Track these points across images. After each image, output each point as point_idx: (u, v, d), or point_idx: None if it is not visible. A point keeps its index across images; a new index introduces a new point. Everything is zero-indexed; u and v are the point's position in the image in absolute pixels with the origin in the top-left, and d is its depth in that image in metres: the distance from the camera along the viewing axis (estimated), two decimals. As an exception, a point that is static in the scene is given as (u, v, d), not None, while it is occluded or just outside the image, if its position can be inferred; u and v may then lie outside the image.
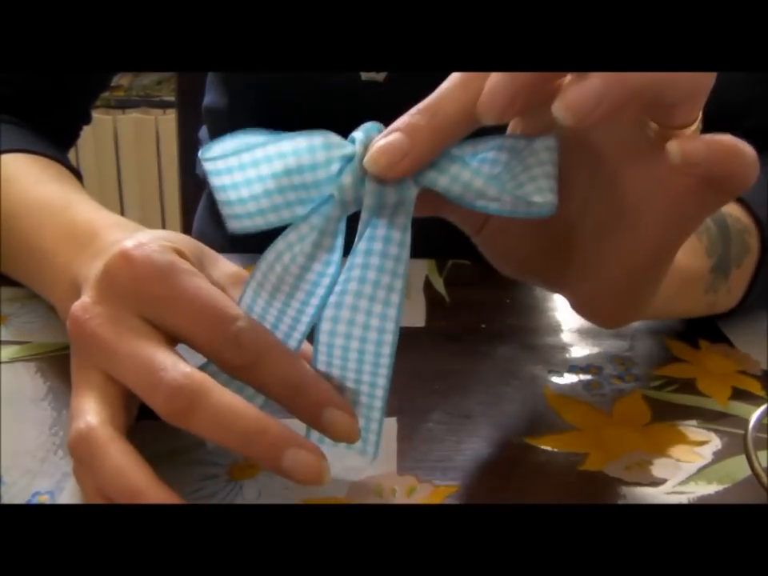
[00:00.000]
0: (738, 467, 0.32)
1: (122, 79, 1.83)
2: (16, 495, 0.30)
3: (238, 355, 0.29)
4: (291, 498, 0.30)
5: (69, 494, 0.30)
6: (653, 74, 0.28)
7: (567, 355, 0.41)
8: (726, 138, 0.29)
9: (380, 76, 0.61)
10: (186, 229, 0.88)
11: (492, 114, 0.27)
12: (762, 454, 0.30)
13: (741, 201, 0.43)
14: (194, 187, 0.81)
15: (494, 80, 0.28)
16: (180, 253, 0.31)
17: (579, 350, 0.41)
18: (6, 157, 0.46)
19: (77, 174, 0.50)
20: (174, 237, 0.33)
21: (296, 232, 0.29)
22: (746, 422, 0.32)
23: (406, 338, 0.29)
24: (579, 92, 0.27)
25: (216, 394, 0.28)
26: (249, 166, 0.29)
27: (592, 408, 0.36)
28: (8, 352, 0.39)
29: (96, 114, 0.63)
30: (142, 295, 0.30)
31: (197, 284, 0.30)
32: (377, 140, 0.28)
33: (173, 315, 0.30)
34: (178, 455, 0.32)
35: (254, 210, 0.29)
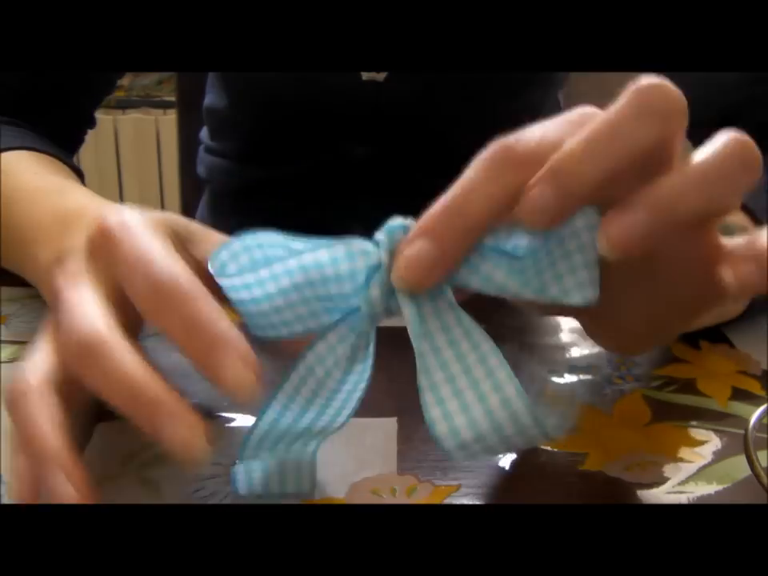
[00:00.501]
0: (738, 467, 0.32)
1: (122, 79, 1.83)
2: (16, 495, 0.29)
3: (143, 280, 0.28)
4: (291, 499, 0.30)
5: (69, 494, 0.30)
6: (704, 196, 0.26)
7: (567, 355, 0.41)
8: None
9: (380, 76, 0.61)
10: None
11: (541, 225, 0.25)
12: (762, 454, 0.30)
13: (747, 210, 0.42)
14: (194, 187, 0.80)
15: (540, 190, 0.25)
16: (161, 226, 0.31)
17: (579, 350, 0.41)
18: (8, 154, 0.46)
19: (78, 172, 0.50)
20: (160, 214, 0.32)
21: (325, 343, 0.29)
22: (746, 421, 0.32)
23: (407, 338, 0.29)
24: (624, 228, 0.25)
25: (118, 354, 0.27)
26: (268, 281, 0.28)
27: (592, 408, 0.36)
28: (8, 352, 0.39)
29: (96, 114, 0.63)
30: (111, 261, 0.29)
31: (147, 243, 0.29)
32: (402, 248, 0.26)
33: (115, 267, 0.29)
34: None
35: (277, 322, 0.29)
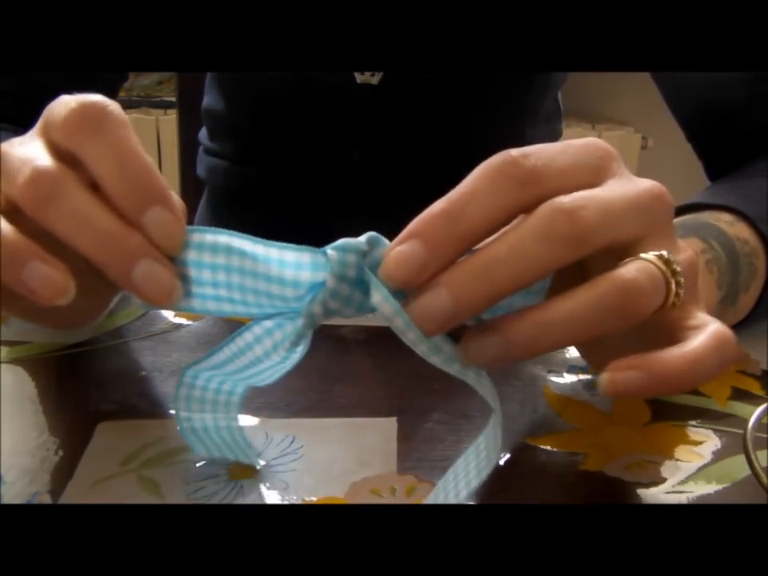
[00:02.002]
0: (738, 467, 0.32)
1: (122, 79, 1.83)
2: (16, 495, 0.30)
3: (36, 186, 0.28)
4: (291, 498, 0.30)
5: (69, 494, 0.30)
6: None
7: (567, 355, 0.41)
8: (672, 363, 0.26)
9: (374, 79, 0.61)
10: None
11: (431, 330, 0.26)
12: (761, 454, 0.30)
13: (747, 219, 0.42)
14: (194, 187, 0.81)
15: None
16: None
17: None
18: None
19: None
20: None
21: (262, 328, 0.29)
22: (746, 421, 0.32)
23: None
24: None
25: (77, 191, 0.28)
26: (225, 254, 0.28)
27: (592, 408, 0.36)
28: (9, 352, 0.39)
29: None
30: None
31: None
32: (392, 246, 0.26)
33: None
34: (178, 455, 0.32)
35: (224, 296, 0.29)
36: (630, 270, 0.26)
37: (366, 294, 0.27)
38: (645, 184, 0.29)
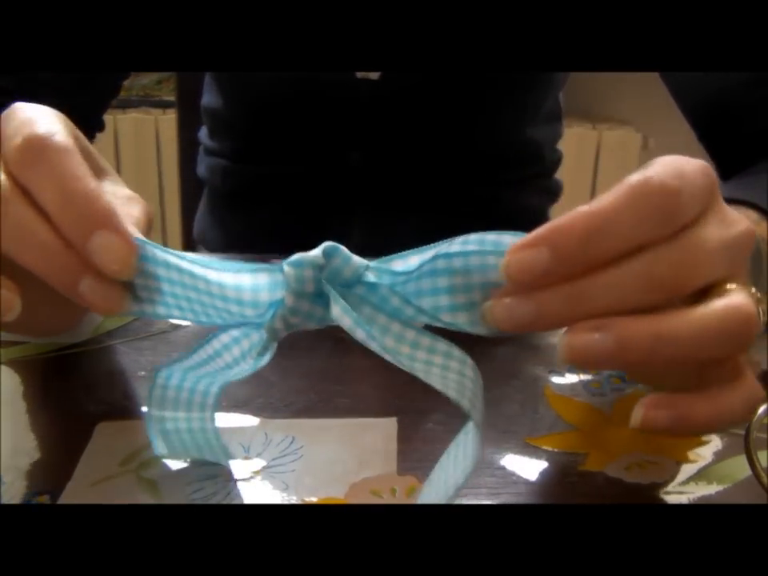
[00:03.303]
0: (738, 467, 0.32)
1: (121, 79, 1.83)
2: (16, 495, 0.30)
3: (24, 149, 0.29)
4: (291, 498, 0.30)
5: (68, 494, 0.30)
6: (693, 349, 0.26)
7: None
8: (702, 413, 0.26)
9: (374, 74, 0.61)
10: (186, 229, 0.88)
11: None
12: (762, 454, 0.30)
13: None
14: (194, 187, 0.80)
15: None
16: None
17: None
18: None
19: None
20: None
21: (229, 336, 0.29)
22: (747, 422, 0.31)
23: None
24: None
25: (24, 209, 0.28)
26: (185, 271, 0.28)
27: (592, 408, 0.36)
28: (8, 352, 0.39)
29: (97, 116, 0.63)
30: None
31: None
32: (520, 245, 0.25)
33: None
34: (178, 455, 0.32)
35: (185, 306, 0.29)
36: (741, 297, 0.26)
37: (327, 307, 0.27)
38: (741, 227, 0.29)
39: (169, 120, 1.75)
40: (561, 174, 0.75)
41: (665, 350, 0.25)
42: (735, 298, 0.26)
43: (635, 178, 0.26)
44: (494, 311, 0.26)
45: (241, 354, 0.29)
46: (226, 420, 0.34)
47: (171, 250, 0.29)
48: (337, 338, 0.41)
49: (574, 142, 1.82)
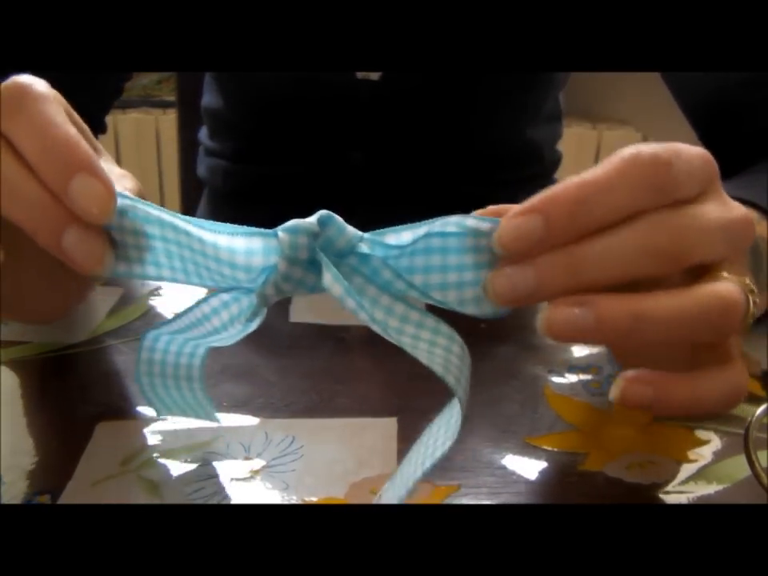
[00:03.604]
0: (738, 467, 0.32)
1: (122, 79, 1.83)
2: (16, 495, 0.30)
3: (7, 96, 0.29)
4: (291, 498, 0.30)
5: (69, 494, 0.30)
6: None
7: (567, 355, 0.41)
8: (681, 394, 0.27)
9: (374, 74, 0.61)
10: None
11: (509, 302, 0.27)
12: (762, 454, 0.30)
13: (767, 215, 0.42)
14: (194, 188, 0.81)
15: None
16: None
17: (579, 350, 0.41)
18: None
19: None
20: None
21: (219, 299, 0.29)
22: (746, 421, 0.32)
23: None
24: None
25: (7, 162, 0.28)
26: (179, 230, 0.28)
27: (592, 408, 0.36)
28: (8, 352, 0.39)
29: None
30: None
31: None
32: (511, 215, 0.26)
33: None
34: (178, 455, 0.32)
35: (177, 266, 0.29)
36: (729, 285, 0.26)
37: (319, 275, 0.27)
38: (740, 212, 0.29)
39: (169, 120, 1.75)
40: (560, 174, 0.75)
41: (643, 330, 0.26)
42: (721, 286, 0.27)
43: (628, 150, 0.27)
44: (495, 282, 0.26)
45: (229, 319, 0.29)
46: (226, 420, 0.34)
47: (165, 209, 0.29)
48: (337, 337, 0.41)
49: (574, 142, 1.83)
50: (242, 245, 0.28)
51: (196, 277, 0.29)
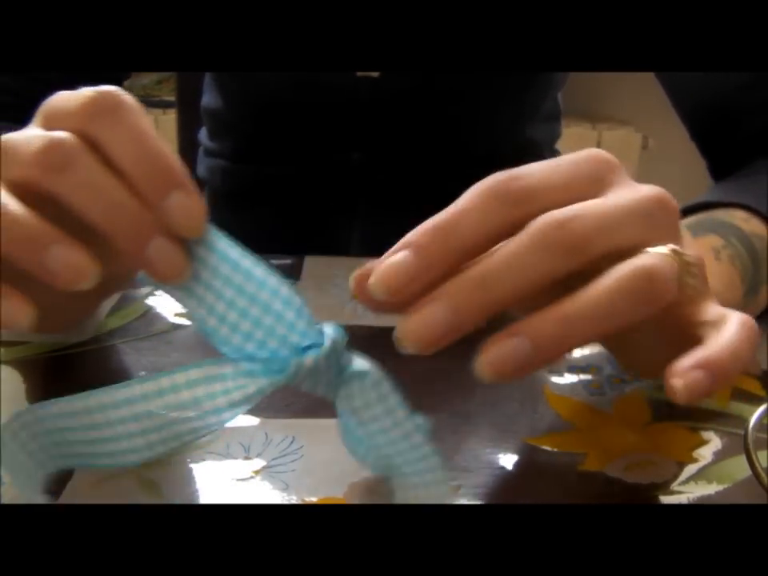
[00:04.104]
0: (738, 467, 0.32)
1: (121, 79, 1.83)
2: (16, 495, 0.29)
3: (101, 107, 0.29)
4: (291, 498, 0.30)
5: (69, 494, 0.30)
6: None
7: (567, 355, 0.41)
8: (723, 358, 0.26)
9: (374, 72, 0.61)
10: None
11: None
12: (762, 454, 0.30)
13: (760, 215, 0.43)
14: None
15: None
16: None
17: (579, 350, 0.41)
18: None
19: None
20: None
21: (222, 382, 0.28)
22: (747, 421, 0.32)
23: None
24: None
25: (93, 162, 0.28)
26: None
27: (592, 408, 0.36)
28: (8, 352, 0.39)
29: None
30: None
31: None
32: (384, 257, 0.26)
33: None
34: (178, 455, 0.32)
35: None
36: (648, 257, 0.26)
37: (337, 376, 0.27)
38: (646, 190, 0.29)
39: (169, 120, 1.74)
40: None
41: (578, 330, 0.25)
42: (637, 260, 0.26)
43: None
44: (407, 329, 0.26)
45: (227, 405, 0.28)
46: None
47: (244, 252, 0.28)
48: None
49: (574, 142, 1.82)
50: (297, 304, 0.27)
51: (228, 327, 0.27)
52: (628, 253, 0.27)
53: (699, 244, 0.39)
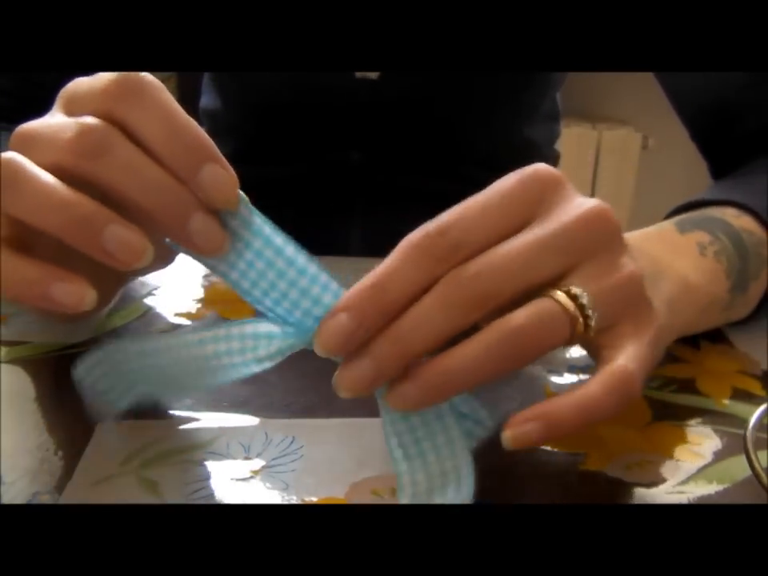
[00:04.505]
0: (738, 467, 0.32)
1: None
2: (16, 495, 0.30)
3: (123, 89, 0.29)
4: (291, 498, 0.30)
5: (69, 494, 0.30)
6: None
7: (567, 355, 0.41)
8: (567, 413, 0.28)
9: (373, 73, 0.61)
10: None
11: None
12: (762, 454, 0.30)
13: (751, 212, 0.43)
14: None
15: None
16: None
17: (579, 350, 0.41)
18: None
19: None
20: None
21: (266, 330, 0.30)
22: (746, 421, 0.32)
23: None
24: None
25: (127, 144, 0.28)
26: None
27: (592, 408, 0.36)
28: (9, 352, 0.39)
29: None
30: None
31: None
32: (325, 318, 0.27)
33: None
34: (178, 455, 0.32)
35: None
36: (519, 315, 0.27)
37: None
38: (579, 210, 0.30)
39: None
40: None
41: (453, 379, 0.27)
42: (513, 317, 0.27)
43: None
44: (340, 379, 0.27)
45: (265, 355, 0.29)
46: (226, 420, 0.34)
47: (270, 223, 0.30)
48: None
49: (574, 142, 1.83)
50: (324, 279, 0.29)
51: (260, 293, 0.29)
52: (546, 283, 0.28)
53: (686, 240, 0.39)
